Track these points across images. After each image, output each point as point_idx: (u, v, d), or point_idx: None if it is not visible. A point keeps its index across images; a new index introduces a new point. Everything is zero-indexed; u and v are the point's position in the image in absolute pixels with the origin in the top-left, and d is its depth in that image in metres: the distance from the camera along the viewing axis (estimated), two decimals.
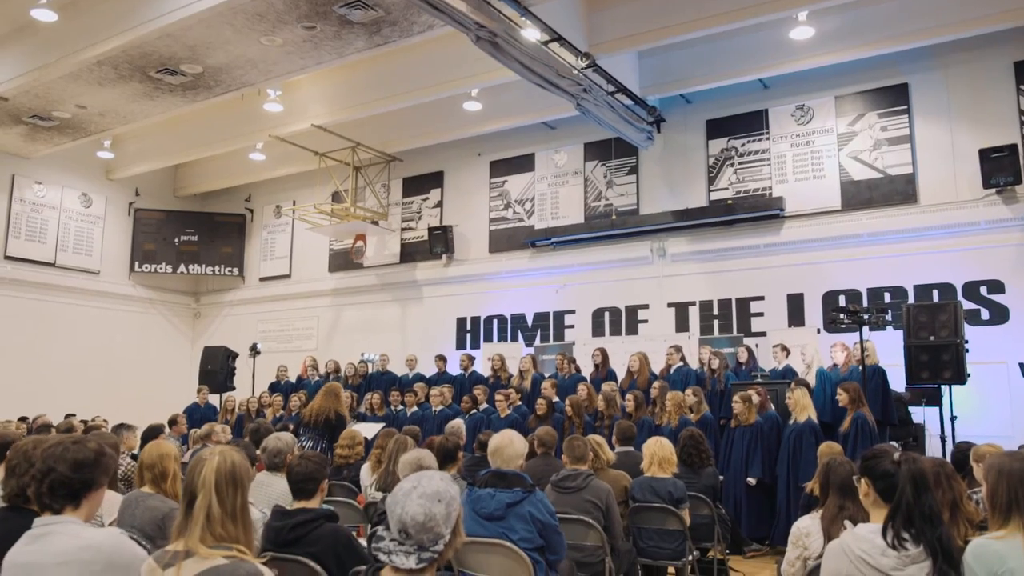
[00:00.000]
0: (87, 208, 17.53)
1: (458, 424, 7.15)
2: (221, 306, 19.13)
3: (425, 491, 2.29)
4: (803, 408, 7.80)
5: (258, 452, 4.94)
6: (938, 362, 8.08)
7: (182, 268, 18.37)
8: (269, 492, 4.50)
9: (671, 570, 6.17)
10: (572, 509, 4.95)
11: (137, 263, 18.15)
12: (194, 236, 18.50)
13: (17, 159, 16.01)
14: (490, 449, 4.16)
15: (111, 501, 3.94)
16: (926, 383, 8.37)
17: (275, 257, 18.43)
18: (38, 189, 16.66)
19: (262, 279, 18.51)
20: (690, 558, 5.82)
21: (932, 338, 8.07)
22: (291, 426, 8.66)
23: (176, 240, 18.40)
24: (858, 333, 8.44)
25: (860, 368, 8.10)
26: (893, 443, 6.87)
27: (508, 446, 4.11)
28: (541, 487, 5.12)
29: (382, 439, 5.98)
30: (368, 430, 7.76)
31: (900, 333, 10.35)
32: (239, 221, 18.91)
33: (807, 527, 3.72)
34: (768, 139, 12.65)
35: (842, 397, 7.59)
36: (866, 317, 7.93)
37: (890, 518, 2.60)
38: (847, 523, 2.79)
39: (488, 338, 14.78)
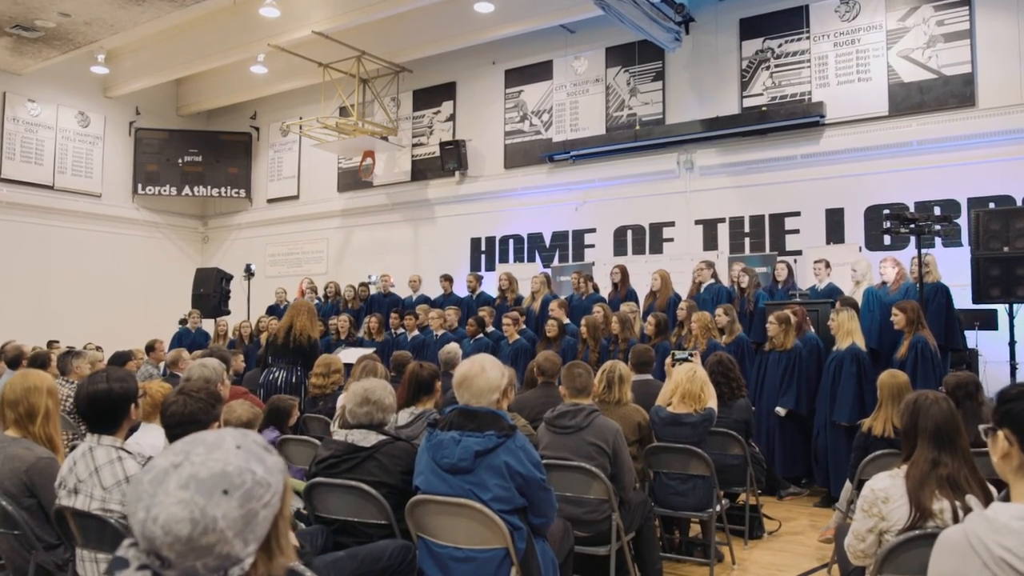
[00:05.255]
0: (85, 128, 16.74)
1: (454, 348, 6.29)
2: (229, 229, 18.43)
3: (196, 474, 1.23)
4: (847, 333, 6.80)
5: (182, 382, 4.13)
6: (1011, 277, 7.01)
7: (187, 190, 17.60)
8: None
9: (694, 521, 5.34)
10: (571, 454, 4.02)
11: (140, 185, 17.43)
12: (198, 156, 17.67)
13: (7, 75, 15.23)
14: (455, 379, 3.19)
15: None
16: (997, 301, 7.37)
17: (282, 177, 17.59)
18: (31, 107, 15.86)
19: (270, 200, 17.73)
20: (718, 508, 4.93)
21: (1006, 249, 7.01)
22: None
23: (180, 161, 17.59)
24: (907, 248, 7.48)
25: (917, 285, 7.09)
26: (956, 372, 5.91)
27: (478, 375, 3.10)
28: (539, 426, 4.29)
29: (355, 366, 5.17)
30: (351, 356, 6.90)
31: (950, 250, 9.47)
32: (245, 140, 18.02)
33: (885, 489, 2.75)
34: (808, 38, 11.47)
35: (898, 318, 6.58)
36: (930, 227, 6.85)
37: None
38: (972, 499, 1.87)
39: (504, 259, 13.97)
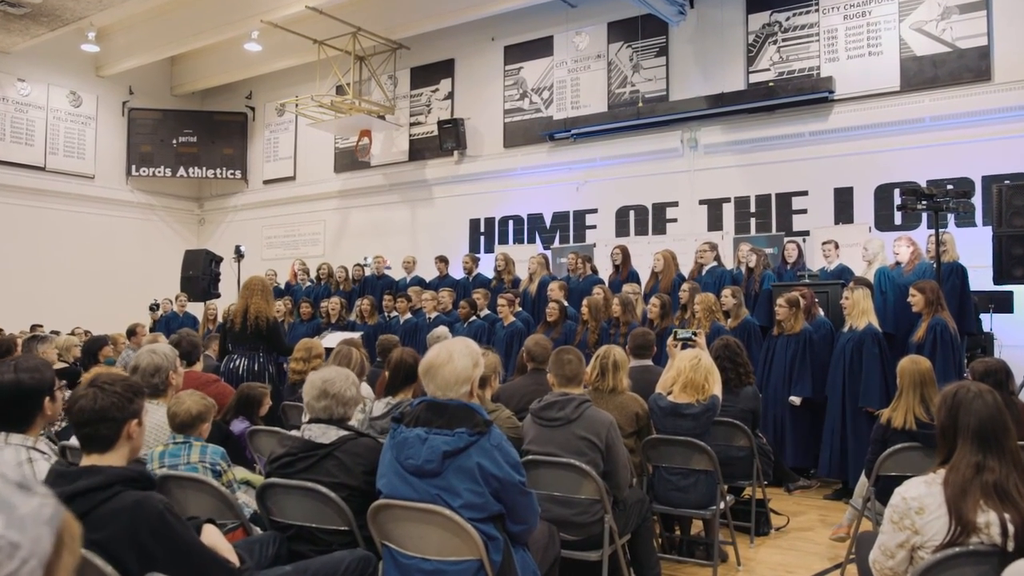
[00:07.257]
0: (77, 108, 16.41)
1: (442, 332, 5.92)
2: (225, 211, 18.12)
3: None
4: (863, 312, 6.42)
5: (129, 369, 3.80)
6: None
7: (181, 171, 17.28)
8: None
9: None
10: (559, 449, 3.63)
11: (134, 166, 17.11)
12: (193, 137, 17.33)
13: None
14: (421, 367, 2.79)
15: None
16: (1020, 282, 7.00)
17: (279, 158, 17.24)
18: (21, 87, 15.53)
19: (266, 182, 17.39)
20: (722, 505, 4.55)
21: None
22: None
23: (174, 141, 17.26)
24: (918, 229, 7.11)
25: (934, 265, 6.72)
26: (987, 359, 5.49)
27: (444, 364, 2.68)
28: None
29: (333, 352, 4.82)
30: (335, 340, 6.53)
31: (964, 230, 9.11)
32: (240, 120, 17.68)
33: (919, 498, 2.33)
34: (817, 11, 11.07)
35: (916, 299, 6.20)
36: (947, 203, 6.45)
37: None
38: None
39: (503, 240, 13.61)
